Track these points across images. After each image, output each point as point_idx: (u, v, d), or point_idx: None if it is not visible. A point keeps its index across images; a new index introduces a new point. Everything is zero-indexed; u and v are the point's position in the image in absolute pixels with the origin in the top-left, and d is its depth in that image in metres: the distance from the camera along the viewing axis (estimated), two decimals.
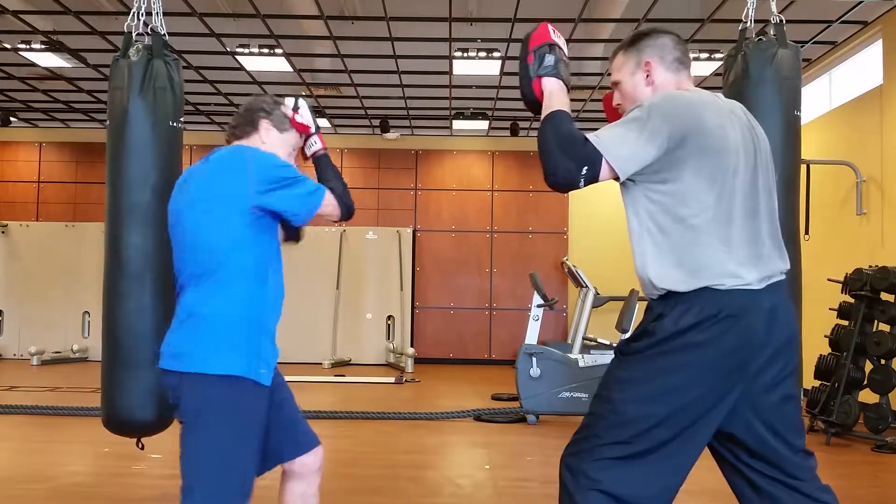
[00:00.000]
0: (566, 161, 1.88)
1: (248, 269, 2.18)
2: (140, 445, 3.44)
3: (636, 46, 2.09)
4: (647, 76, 2.06)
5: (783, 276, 1.97)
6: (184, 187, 2.27)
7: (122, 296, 3.27)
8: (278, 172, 2.19)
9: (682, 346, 1.85)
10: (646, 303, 2.02)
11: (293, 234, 2.43)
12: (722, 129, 1.91)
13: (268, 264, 2.23)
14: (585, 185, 1.90)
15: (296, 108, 2.40)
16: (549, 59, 2.07)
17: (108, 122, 3.37)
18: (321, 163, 2.43)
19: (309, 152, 2.46)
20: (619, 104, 2.14)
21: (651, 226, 1.93)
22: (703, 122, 1.89)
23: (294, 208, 2.21)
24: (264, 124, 2.36)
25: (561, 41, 2.12)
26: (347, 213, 2.34)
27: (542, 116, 2.00)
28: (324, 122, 10.86)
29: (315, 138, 2.44)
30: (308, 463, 2.41)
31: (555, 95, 2.03)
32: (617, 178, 1.92)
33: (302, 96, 2.46)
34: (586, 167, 1.87)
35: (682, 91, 1.99)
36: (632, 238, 1.99)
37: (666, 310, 1.89)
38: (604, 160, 1.87)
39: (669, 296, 1.90)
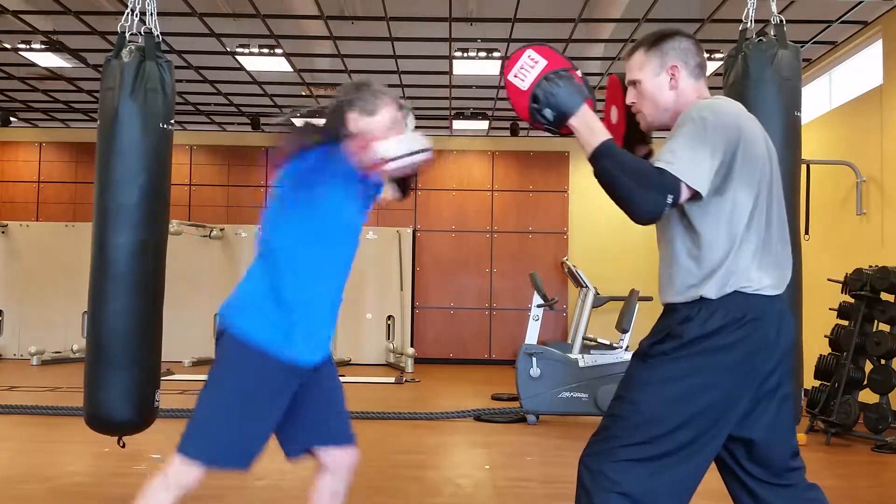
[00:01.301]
0: (650, 194, 1.83)
1: (279, 248, 2.26)
2: (121, 444, 3.46)
3: (659, 48, 2.06)
4: (672, 80, 2.04)
5: (786, 284, 2.01)
6: None
7: (106, 296, 3.28)
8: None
9: (709, 348, 1.87)
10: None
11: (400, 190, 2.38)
12: (756, 139, 1.95)
13: (303, 244, 2.26)
14: (672, 209, 1.88)
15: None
16: (565, 92, 1.96)
17: (98, 122, 3.37)
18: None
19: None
20: (634, 102, 2.10)
21: (693, 234, 1.93)
22: (744, 133, 1.91)
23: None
24: (352, 116, 2.34)
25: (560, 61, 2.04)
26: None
27: (593, 152, 1.92)
28: (323, 122, 10.83)
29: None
30: (339, 458, 2.48)
31: (593, 126, 1.95)
32: (696, 197, 1.89)
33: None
34: (671, 196, 1.83)
35: (720, 101, 1.99)
36: (668, 243, 2.00)
37: (692, 312, 1.91)
38: (683, 185, 1.85)
39: (697, 299, 1.92)
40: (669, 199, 1.83)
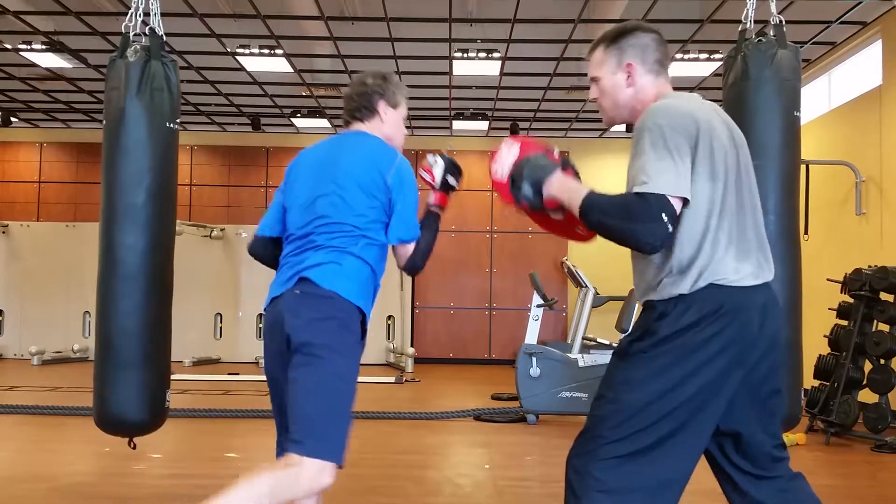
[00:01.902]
0: (644, 225, 1.83)
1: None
2: (132, 445, 3.45)
3: (618, 44, 2.09)
4: (629, 77, 2.07)
5: (771, 276, 1.99)
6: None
7: (115, 296, 3.28)
8: (408, 197, 2.48)
9: (685, 343, 1.87)
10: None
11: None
12: (713, 130, 1.93)
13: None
14: (672, 230, 1.86)
15: (431, 166, 2.64)
16: (538, 179, 2.06)
17: (104, 122, 3.37)
18: (429, 219, 2.56)
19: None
20: (595, 98, 2.15)
21: (677, 234, 1.92)
22: (701, 125, 1.91)
23: (395, 230, 2.49)
24: (381, 105, 2.55)
25: (521, 150, 2.14)
26: (410, 271, 2.55)
27: (578, 210, 1.95)
28: (324, 123, 10.86)
29: (432, 195, 2.61)
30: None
31: (571, 187, 2.02)
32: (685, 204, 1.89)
33: (443, 153, 2.68)
34: (664, 214, 1.82)
35: (670, 101, 1.98)
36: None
37: (668, 308, 1.91)
38: (669, 199, 1.84)
39: (673, 296, 1.92)
40: (665, 219, 1.82)
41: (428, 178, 2.60)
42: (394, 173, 2.43)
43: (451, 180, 2.61)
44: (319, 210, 2.41)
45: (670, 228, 1.84)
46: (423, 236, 2.49)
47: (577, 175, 2.15)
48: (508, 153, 2.12)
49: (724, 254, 1.89)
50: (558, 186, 2.04)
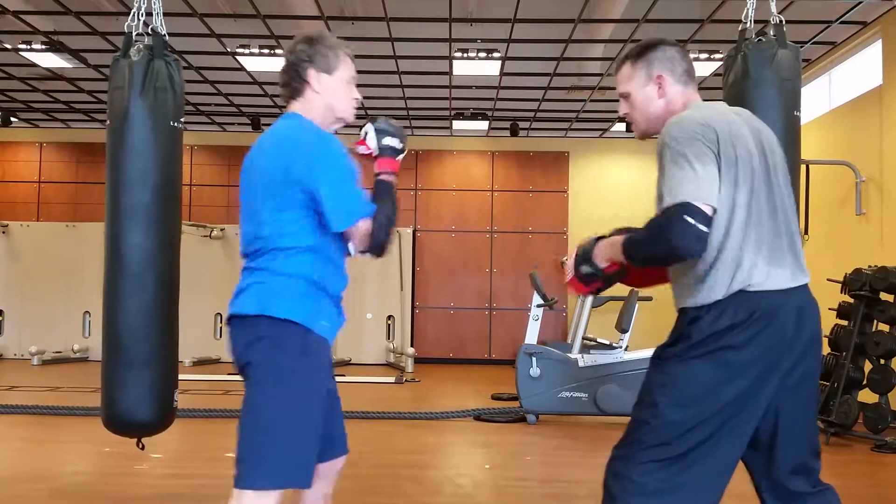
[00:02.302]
0: (672, 234, 1.83)
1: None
2: (140, 445, 3.44)
3: (645, 58, 2.11)
4: (660, 89, 2.09)
5: (808, 279, 2.00)
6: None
7: (122, 295, 3.27)
8: (333, 172, 2.15)
9: (719, 348, 1.88)
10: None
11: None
12: (736, 135, 1.94)
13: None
14: (709, 229, 1.85)
15: (364, 137, 2.30)
16: (587, 254, 2.14)
17: (108, 121, 3.37)
18: (378, 187, 2.24)
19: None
20: (627, 113, 2.18)
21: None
22: (720, 132, 1.92)
23: (331, 212, 2.11)
24: (311, 73, 2.24)
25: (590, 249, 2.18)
26: (371, 249, 2.17)
27: (626, 260, 2.01)
28: None
29: (375, 163, 2.27)
30: (332, 465, 2.37)
31: (612, 243, 2.08)
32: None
33: (377, 119, 2.33)
34: (687, 216, 1.82)
35: (687, 113, 2.00)
36: None
37: (701, 312, 1.92)
38: (691, 203, 1.83)
39: (706, 302, 1.93)
40: (691, 220, 1.81)
41: (364, 150, 2.29)
42: (299, 159, 2.10)
43: (389, 141, 2.27)
44: (242, 228, 2.24)
45: (703, 228, 1.83)
46: (379, 209, 2.15)
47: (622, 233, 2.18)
48: (570, 260, 2.19)
49: (756, 259, 1.90)
50: (602, 251, 2.10)
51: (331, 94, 2.27)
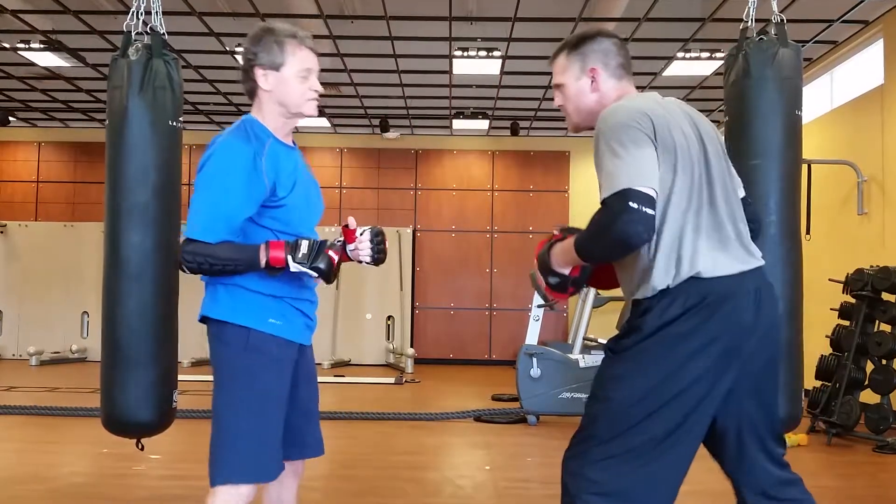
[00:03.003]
0: (617, 222, 1.79)
1: None
2: (140, 446, 3.43)
3: (580, 50, 2.10)
4: (593, 82, 2.08)
5: (761, 262, 1.97)
6: None
7: (122, 295, 3.25)
8: (203, 176, 2.18)
9: (669, 336, 1.85)
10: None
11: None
12: (670, 124, 1.92)
13: None
14: (654, 211, 1.81)
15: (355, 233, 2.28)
16: (546, 264, 2.14)
17: (107, 121, 3.36)
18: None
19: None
20: (561, 105, 2.16)
21: None
22: (656, 120, 1.90)
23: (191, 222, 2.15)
24: (259, 72, 2.21)
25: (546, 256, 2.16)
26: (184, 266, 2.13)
27: (577, 258, 1.99)
28: (323, 122, 10.85)
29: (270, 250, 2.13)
30: (294, 467, 2.36)
31: (565, 248, 2.04)
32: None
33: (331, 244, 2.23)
34: (631, 202, 1.78)
35: (621, 103, 1.98)
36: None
37: (652, 303, 1.89)
38: (633, 189, 1.79)
39: (656, 292, 1.90)
40: (635, 205, 1.77)
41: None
42: (199, 167, 2.19)
43: (312, 267, 2.14)
44: None
45: (648, 211, 1.79)
46: (213, 247, 2.11)
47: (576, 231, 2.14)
48: (536, 273, 2.17)
49: (701, 246, 1.87)
50: (557, 258, 2.07)
51: (280, 90, 2.22)
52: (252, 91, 2.25)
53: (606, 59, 2.07)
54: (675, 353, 1.84)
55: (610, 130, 1.88)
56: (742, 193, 2.09)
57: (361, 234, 2.29)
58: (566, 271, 2.07)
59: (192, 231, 2.12)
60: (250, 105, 2.34)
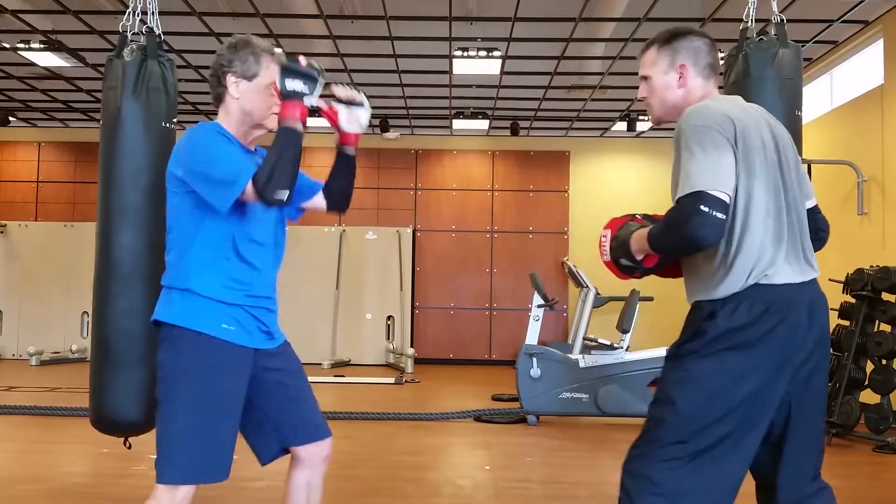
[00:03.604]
0: (688, 224, 1.83)
1: None
2: (127, 445, 3.44)
3: (671, 45, 2.11)
4: (681, 78, 2.09)
5: (817, 273, 2.01)
6: None
7: (112, 296, 3.26)
8: (198, 154, 2.15)
9: (736, 343, 1.87)
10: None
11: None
12: (753, 127, 1.95)
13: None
14: (726, 216, 1.84)
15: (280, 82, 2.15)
16: (625, 247, 2.12)
17: (101, 121, 3.36)
18: (276, 133, 2.15)
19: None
20: (645, 97, 2.17)
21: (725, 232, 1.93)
22: (738, 123, 1.92)
23: (209, 195, 2.13)
24: (230, 79, 2.24)
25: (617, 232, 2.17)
26: (262, 200, 2.08)
27: (652, 252, 2.03)
28: (323, 122, 10.80)
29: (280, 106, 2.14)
30: (315, 451, 2.40)
31: (642, 236, 2.05)
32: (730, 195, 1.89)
33: (289, 59, 2.17)
34: (702, 205, 1.81)
35: (705, 103, 2.00)
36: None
37: (716, 307, 1.91)
38: (707, 192, 1.83)
39: (722, 296, 1.92)
40: (706, 209, 1.81)
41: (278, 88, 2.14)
42: (174, 156, 2.19)
43: (293, 85, 2.11)
44: None
45: (719, 216, 1.82)
46: (269, 151, 2.09)
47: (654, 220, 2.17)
48: (605, 239, 2.17)
49: (771, 253, 1.90)
50: (636, 244, 2.07)
51: (248, 100, 2.25)
52: (220, 97, 2.29)
53: (696, 58, 2.09)
54: (738, 361, 1.86)
55: (692, 130, 1.90)
56: (812, 203, 2.12)
57: (339, 109, 2.31)
58: (640, 258, 2.09)
59: (230, 190, 2.08)
60: None
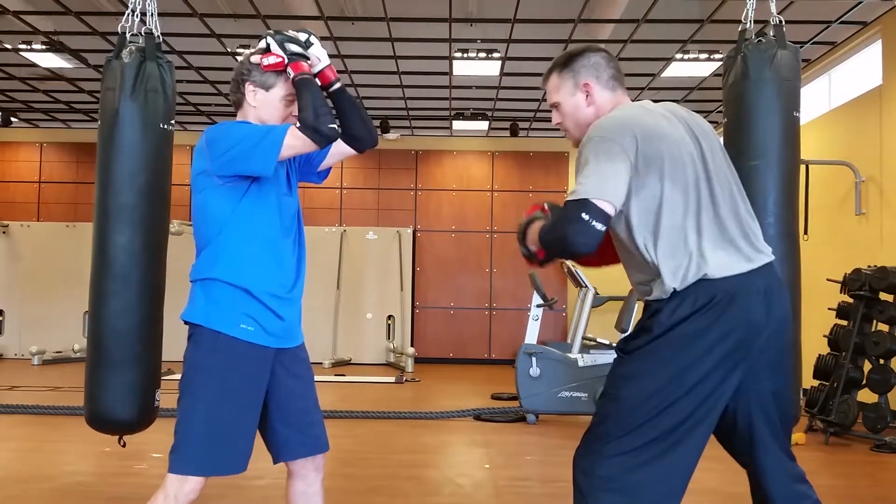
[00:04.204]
0: (567, 228, 1.90)
1: None
2: (122, 443, 3.46)
3: (571, 67, 2.15)
4: (588, 96, 2.13)
5: (770, 258, 2.00)
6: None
7: (107, 295, 3.28)
8: (225, 140, 2.24)
9: (678, 336, 1.88)
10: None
11: (352, 142, 2.37)
12: (661, 128, 1.97)
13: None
14: (605, 227, 1.89)
15: (266, 50, 2.30)
16: (522, 236, 2.19)
17: (99, 122, 3.38)
18: (297, 89, 2.26)
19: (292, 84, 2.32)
20: (559, 122, 2.22)
21: (636, 236, 1.96)
22: (645, 128, 1.95)
23: (252, 164, 2.21)
24: (248, 88, 2.35)
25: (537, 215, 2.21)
26: (318, 137, 2.19)
27: (537, 245, 2.09)
28: None
29: (290, 69, 2.28)
30: (308, 464, 2.42)
31: (534, 229, 2.11)
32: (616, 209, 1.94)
33: (277, 32, 2.32)
34: (584, 213, 1.87)
35: (612, 114, 2.04)
36: (622, 249, 2.06)
37: (661, 304, 1.93)
38: (593, 200, 1.88)
39: (667, 294, 1.93)
40: (586, 217, 1.87)
41: (274, 60, 2.28)
42: (201, 148, 2.32)
43: (294, 48, 2.28)
44: None
45: (598, 226, 1.87)
46: (301, 104, 2.22)
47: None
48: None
49: (706, 247, 1.91)
50: (531, 235, 2.13)
51: (264, 109, 2.35)
52: (238, 102, 2.40)
53: (598, 73, 2.12)
54: (683, 353, 1.87)
55: (589, 142, 1.96)
56: None
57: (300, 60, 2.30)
58: (533, 249, 2.14)
59: (279, 133, 2.19)
60: None
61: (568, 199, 1.91)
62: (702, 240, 1.91)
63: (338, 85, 2.33)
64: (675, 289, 1.90)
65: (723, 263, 1.90)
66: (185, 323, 2.33)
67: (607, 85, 2.13)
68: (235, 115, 2.43)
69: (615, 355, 2.05)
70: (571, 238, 1.89)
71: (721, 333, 1.86)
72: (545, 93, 2.22)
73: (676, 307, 1.89)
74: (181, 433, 2.24)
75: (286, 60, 2.28)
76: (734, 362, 1.88)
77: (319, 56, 2.32)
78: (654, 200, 1.92)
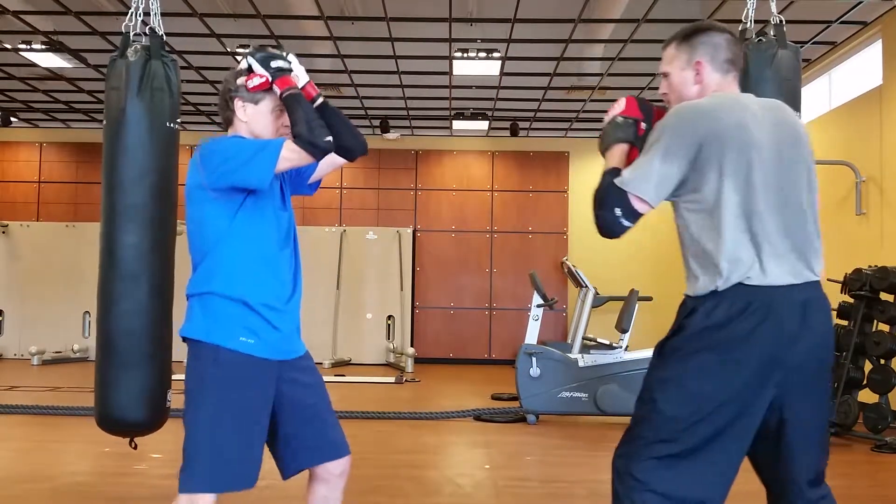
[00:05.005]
0: (601, 212, 1.98)
1: None
2: (133, 445, 3.45)
3: (690, 42, 2.10)
4: (697, 74, 2.08)
5: (817, 277, 1.97)
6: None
7: (116, 296, 3.27)
8: (221, 153, 2.23)
9: (714, 342, 1.87)
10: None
11: (344, 152, 2.35)
12: (740, 127, 1.92)
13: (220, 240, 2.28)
14: (633, 223, 1.96)
15: (249, 71, 2.30)
16: (611, 129, 2.16)
17: (104, 122, 3.37)
18: (286, 104, 2.25)
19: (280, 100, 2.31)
20: (664, 93, 2.18)
21: (689, 231, 1.96)
22: (719, 123, 1.92)
23: (249, 177, 2.20)
24: (238, 104, 2.33)
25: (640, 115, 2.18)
26: (315, 150, 2.19)
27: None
28: None
29: (275, 86, 2.27)
30: (333, 468, 2.40)
31: (612, 159, 2.10)
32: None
33: (256, 50, 2.32)
34: (617, 208, 1.94)
35: (700, 101, 2.00)
36: (680, 240, 2.03)
37: (697, 303, 1.92)
38: (631, 196, 1.94)
39: (705, 292, 1.92)
40: (618, 212, 1.92)
41: (258, 81, 2.28)
42: (196, 162, 2.28)
43: (278, 63, 2.28)
44: None
45: (625, 223, 1.94)
46: (294, 114, 2.21)
47: (638, 146, 2.15)
48: (616, 107, 2.18)
49: (750, 252, 1.88)
50: (608, 157, 2.13)
51: (255, 122, 2.34)
52: (229, 120, 2.39)
53: (714, 53, 2.07)
54: (720, 359, 1.86)
55: (661, 128, 1.96)
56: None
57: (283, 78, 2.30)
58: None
59: (273, 148, 2.20)
60: None
61: (617, 180, 1.95)
62: (750, 245, 1.89)
63: (320, 100, 2.31)
64: (715, 288, 1.88)
65: (765, 272, 1.88)
66: (184, 340, 2.30)
67: (721, 67, 2.08)
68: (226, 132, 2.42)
69: (653, 354, 2.02)
70: (600, 222, 1.99)
71: (756, 344, 1.85)
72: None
73: (712, 309, 1.88)
74: (188, 451, 2.21)
75: (270, 79, 2.28)
76: (767, 375, 1.86)
77: (299, 74, 2.32)
78: (712, 197, 1.90)
